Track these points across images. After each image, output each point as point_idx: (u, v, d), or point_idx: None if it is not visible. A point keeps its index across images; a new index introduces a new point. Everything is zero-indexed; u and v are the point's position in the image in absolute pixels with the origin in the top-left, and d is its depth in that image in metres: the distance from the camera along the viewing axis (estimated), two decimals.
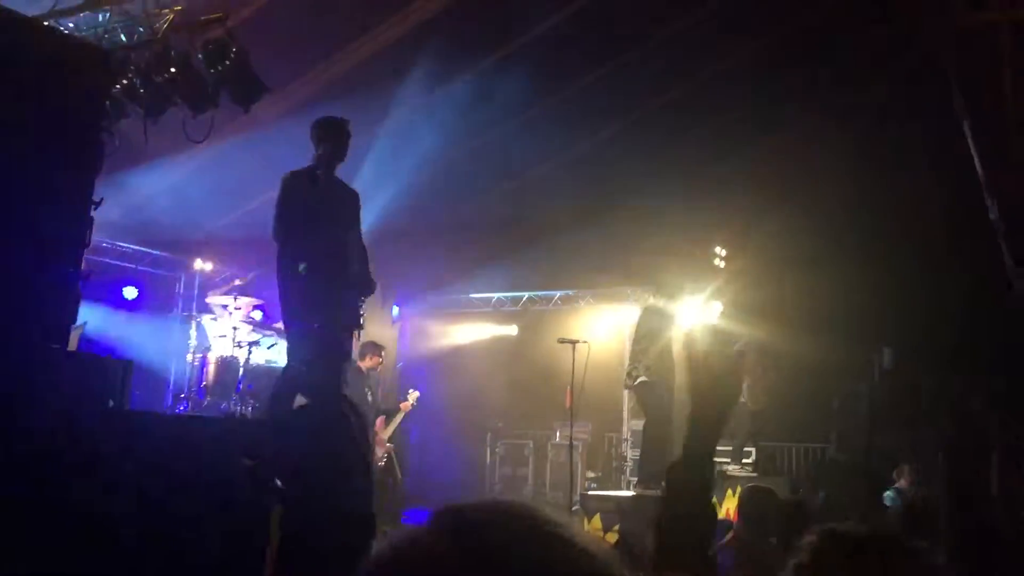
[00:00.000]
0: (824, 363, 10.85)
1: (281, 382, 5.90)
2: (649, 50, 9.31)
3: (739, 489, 8.59)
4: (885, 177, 10.34)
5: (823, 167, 10.40)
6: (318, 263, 5.68)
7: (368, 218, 7.03)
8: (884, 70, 9.79)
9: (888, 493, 9.16)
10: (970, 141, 8.46)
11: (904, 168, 10.23)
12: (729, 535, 4.20)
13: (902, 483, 9.26)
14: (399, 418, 9.95)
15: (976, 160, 8.52)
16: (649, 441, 8.63)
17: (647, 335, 8.71)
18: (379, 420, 9.65)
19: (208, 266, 11.93)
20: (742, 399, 10.74)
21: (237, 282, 10.14)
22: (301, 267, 5.62)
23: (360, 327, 6.15)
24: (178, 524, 3.56)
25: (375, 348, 9.54)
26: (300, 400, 6.25)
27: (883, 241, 10.66)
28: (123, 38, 6.13)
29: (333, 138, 5.90)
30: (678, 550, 1.65)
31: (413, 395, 10.21)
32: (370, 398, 9.57)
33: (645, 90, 10.08)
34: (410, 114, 9.33)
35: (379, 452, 9.51)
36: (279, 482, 3.72)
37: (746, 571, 3.83)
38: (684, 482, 1.69)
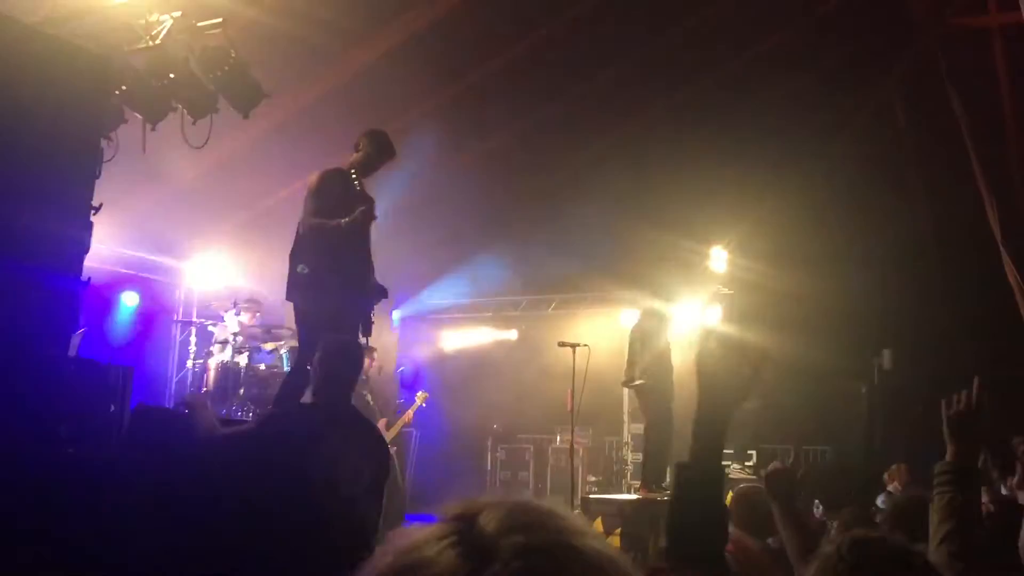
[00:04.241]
0: (824, 365, 10.86)
1: (290, 384, 5.89)
2: (646, 58, 9.34)
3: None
4: (885, 179, 10.36)
5: (822, 170, 10.42)
6: (348, 266, 5.68)
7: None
8: (882, 74, 9.81)
9: (880, 497, 9.13)
10: (968, 143, 8.48)
11: (903, 170, 10.25)
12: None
13: (894, 486, 9.23)
14: (402, 422, 9.90)
15: (974, 162, 8.55)
16: (650, 444, 8.63)
17: (642, 337, 8.73)
18: (380, 424, 9.60)
19: (208, 273, 11.93)
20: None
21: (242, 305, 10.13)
22: (300, 267, 5.61)
23: (369, 333, 6.14)
24: (196, 530, 3.56)
25: (367, 351, 9.53)
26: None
27: (884, 243, 10.68)
28: (122, 44, 6.13)
29: (374, 150, 5.93)
30: (689, 549, 1.62)
31: (421, 395, 10.16)
32: (371, 402, 9.55)
33: (643, 98, 10.10)
34: (411, 120, 9.35)
35: None
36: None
37: (744, 572, 3.82)
38: (693, 482, 1.66)
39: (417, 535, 0.83)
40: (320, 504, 3.64)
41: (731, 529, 4.35)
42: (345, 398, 4.34)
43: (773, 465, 3.77)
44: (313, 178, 5.85)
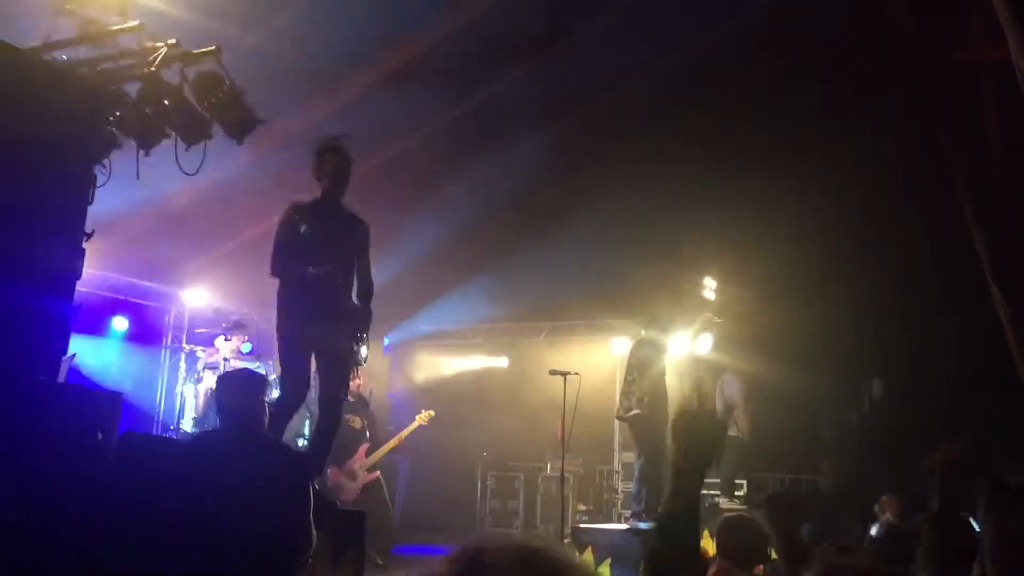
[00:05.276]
0: (815, 394, 10.87)
1: (273, 410, 5.88)
2: (639, 87, 9.41)
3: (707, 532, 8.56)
4: (875, 209, 10.41)
5: (813, 200, 10.48)
6: (302, 296, 5.68)
7: None
8: (872, 104, 9.90)
9: (874, 528, 9.12)
10: (956, 174, 8.55)
11: (894, 200, 10.31)
12: (712, 569, 4.15)
13: (887, 516, 9.22)
14: (395, 442, 9.48)
15: (962, 195, 8.61)
16: (644, 474, 8.60)
17: (638, 366, 8.73)
18: (361, 449, 9.30)
19: (198, 298, 11.92)
20: (731, 432, 10.77)
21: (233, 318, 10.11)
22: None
23: (359, 364, 6.13)
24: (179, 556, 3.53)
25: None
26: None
27: (873, 272, 10.72)
28: (116, 70, 6.15)
29: (316, 165, 5.93)
30: None
31: (425, 415, 9.79)
32: (357, 425, 9.32)
33: (636, 126, 10.17)
34: (404, 146, 9.40)
35: (353, 482, 9.16)
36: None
37: None
38: (673, 530, 1.72)
39: (427, 572, 0.86)
40: (232, 525, 3.62)
41: (717, 559, 4.33)
42: (243, 427, 4.23)
43: (775, 490, 3.75)
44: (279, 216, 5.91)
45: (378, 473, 9.42)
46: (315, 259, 5.76)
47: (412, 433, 9.81)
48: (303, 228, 5.82)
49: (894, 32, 8.64)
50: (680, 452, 1.81)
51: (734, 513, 5.27)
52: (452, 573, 0.81)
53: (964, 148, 8.46)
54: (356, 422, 9.29)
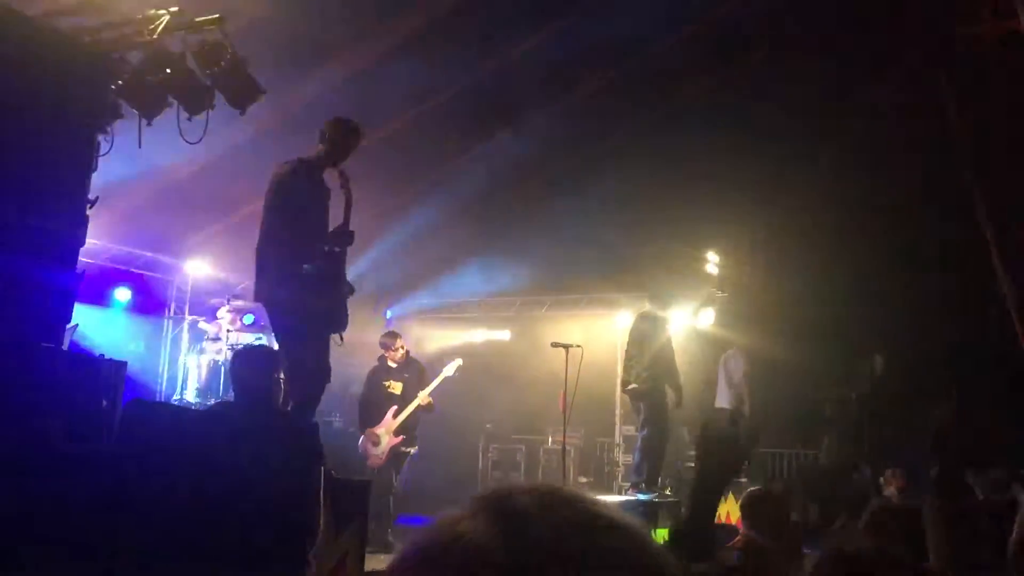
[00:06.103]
0: (816, 370, 10.89)
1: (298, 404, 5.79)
2: (643, 62, 9.35)
3: (731, 496, 8.61)
4: (879, 185, 10.38)
5: (817, 175, 10.45)
6: (326, 273, 5.57)
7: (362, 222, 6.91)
8: (879, 78, 9.84)
9: (875, 501, 9.16)
10: (963, 149, 8.53)
11: (898, 177, 10.28)
12: (737, 538, 4.21)
13: (891, 490, 9.28)
14: (412, 406, 9.15)
15: (969, 168, 8.59)
16: (645, 446, 8.64)
17: (639, 340, 8.75)
18: (390, 412, 9.09)
19: (201, 269, 11.91)
20: (742, 406, 10.82)
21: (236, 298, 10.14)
22: (306, 267, 5.44)
23: (343, 328, 5.90)
24: (183, 521, 3.55)
25: (387, 338, 9.37)
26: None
27: (876, 248, 10.71)
28: (119, 38, 6.12)
29: (339, 136, 5.78)
30: None
31: (453, 365, 9.65)
32: (397, 391, 9.15)
33: (639, 101, 10.12)
34: (409, 118, 9.37)
35: (377, 447, 9.01)
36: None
37: (753, 568, 3.85)
38: (687, 542, 1.73)
39: (449, 514, 0.82)
40: (239, 499, 3.62)
41: (743, 530, 4.37)
42: (257, 401, 4.26)
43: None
44: (279, 171, 5.58)
45: (408, 447, 9.20)
46: (326, 229, 5.69)
47: (449, 376, 9.65)
48: (313, 192, 5.68)
49: (904, 6, 8.58)
50: (700, 471, 1.80)
51: (758, 488, 5.33)
52: (482, 513, 0.78)
53: (971, 120, 8.43)
54: (396, 387, 9.16)
